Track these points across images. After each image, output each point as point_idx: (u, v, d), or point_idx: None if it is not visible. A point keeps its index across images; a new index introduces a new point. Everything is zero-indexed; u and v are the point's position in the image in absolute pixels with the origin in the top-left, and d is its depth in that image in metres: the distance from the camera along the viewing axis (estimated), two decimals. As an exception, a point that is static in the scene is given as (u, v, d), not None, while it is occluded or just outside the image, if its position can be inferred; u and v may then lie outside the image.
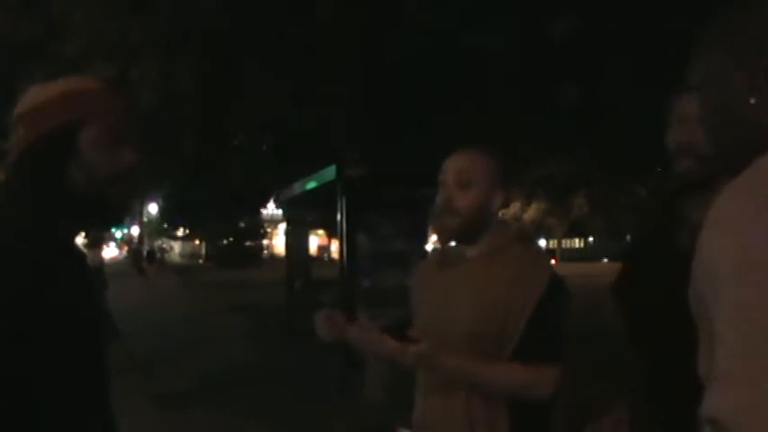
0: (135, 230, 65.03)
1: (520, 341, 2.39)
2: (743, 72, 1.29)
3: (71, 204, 1.71)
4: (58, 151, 1.68)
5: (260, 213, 56.66)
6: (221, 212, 41.02)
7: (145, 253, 50.94)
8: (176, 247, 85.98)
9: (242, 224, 58.01)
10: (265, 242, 73.19)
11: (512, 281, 2.44)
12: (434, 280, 2.68)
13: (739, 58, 1.31)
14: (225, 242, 61.14)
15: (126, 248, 77.16)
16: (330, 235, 38.95)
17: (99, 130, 1.71)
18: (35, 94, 1.72)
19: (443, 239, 2.69)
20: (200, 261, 71.26)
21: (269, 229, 70.67)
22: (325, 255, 46.32)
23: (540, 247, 3.02)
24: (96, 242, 14.71)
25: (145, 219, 61.23)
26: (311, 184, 11.66)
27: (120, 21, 10.29)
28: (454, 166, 2.57)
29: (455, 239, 2.63)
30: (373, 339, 2.58)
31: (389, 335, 2.40)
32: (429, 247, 10.41)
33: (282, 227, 23.82)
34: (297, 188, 12.92)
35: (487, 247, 2.56)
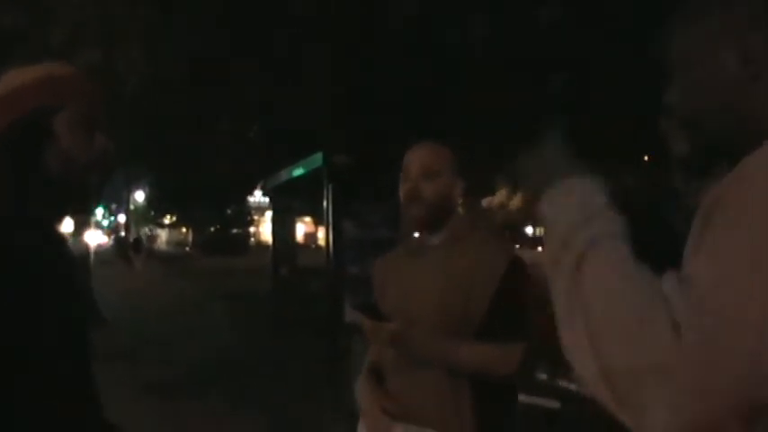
0: (122, 218, 64.79)
1: (484, 320, 2.49)
2: (735, 48, 1.22)
3: (47, 188, 1.71)
4: (35, 136, 1.67)
5: (246, 201, 56.61)
6: (208, 200, 40.93)
7: (131, 241, 50.65)
8: (163, 234, 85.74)
9: (229, 212, 57.93)
10: (252, 230, 73.05)
11: (473, 263, 2.57)
12: (400, 267, 2.80)
13: (731, 31, 1.23)
14: (212, 230, 61.03)
15: (113, 236, 76.84)
16: (317, 222, 38.90)
17: (74, 116, 1.71)
18: (11, 79, 1.71)
19: (411, 228, 2.83)
20: (187, 249, 71.12)
21: (256, 217, 70.54)
22: (312, 242, 46.29)
23: (499, 234, 3.14)
24: (80, 229, 14.67)
25: (132, 206, 61.01)
26: (297, 172, 11.63)
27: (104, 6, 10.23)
28: (419, 158, 2.70)
29: (423, 227, 2.76)
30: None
31: (365, 314, 2.47)
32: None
33: (269, 214, 23.80)
34: (283, 176, 12.90)
35: (450, 235, 2.70)
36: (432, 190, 2.64)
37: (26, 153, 1.68)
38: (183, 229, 78.09)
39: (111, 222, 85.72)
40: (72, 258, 1.97)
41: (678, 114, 1.34)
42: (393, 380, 2.68)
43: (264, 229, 66.55)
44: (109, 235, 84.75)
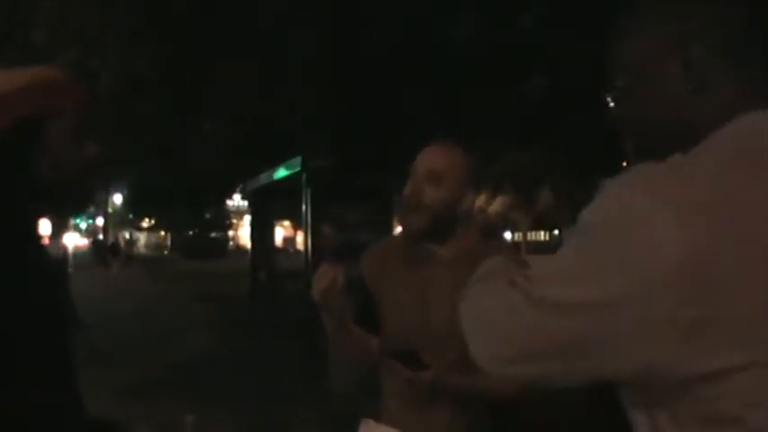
0: (100, 221, 64.34)
1: None
2: (678, 61, 1.24)
3: (36, 192, 1.71)
4: (27, 140, 1.67)
5: (225, 204, 56.42)
6: (187, 203, 40.76)
7: (108, 244, 50.10)
8: (141, 237, 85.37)
9: (207, 215, 57.71)
10: (231, 233, 72.86)
11: None
12: (402, 277, 2.57)
13: (673, 44, 1.24)
14: (190, 233, 60.79)
15: (90, 239, 76.29)
16: (296, 226, 38.80)
17: (67, 123, 1.72)
18: (4, 81, 1.70)
19: (410, 236, 2.57)
20: (166, 252, 70.85)
21: (234, 221, 70.37)
22: (291, 246, 46.17)
23: (507, 243, 2.95)
24: (59, 231, 14.58)
25: (109, 209, 60.59)
26: (276, 175, 11.63)
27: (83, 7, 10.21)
28: (426, 162, 2.48)
29: (422, 236, 2.52)
30: (369, 350, 2.52)
31: (401, 361, 2.32)
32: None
33: (248, 218, 23.75)
34: (262, 179, 12.89)
35: (459, 248, 2.50)
36: (435, 196, 2.43)
37: (16, 155, 1.68)
38: (162, 233, 77.79)
39: (88, 225, 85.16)
40: (53, 260, 1.98)
41: (626, 125, 1.38)
42: (399, 412, 2.51)
43: (243, 233, 66.43)
44: (88, 237, 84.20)
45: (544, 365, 1.21)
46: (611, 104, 1.39)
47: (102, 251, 48.17)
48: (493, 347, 1.30)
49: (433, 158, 2.50)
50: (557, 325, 1.15)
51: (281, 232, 42.37)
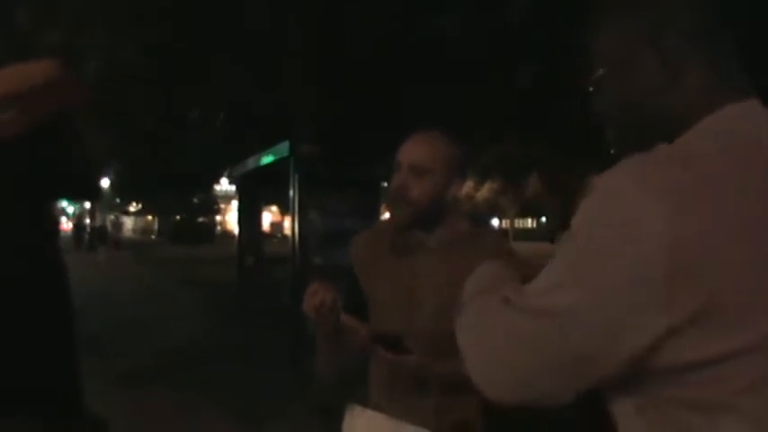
0: (87, 204, 63.93)
1: None
2: (652, 49, 1.24)
3: (47, 184, 1.71)
4: (63, 135, 1.66)
5: (213, 189, 56.27)
6: (174, 188, 40.59)
7: (89, 229, 49.02)
8: (129, 222, 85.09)
9: (195, 200, 57.59)
10: (218, 218, 72.74)
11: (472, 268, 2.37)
12: (390, 266, 2.58)
13: (648, 32, 1.24)
14: (178, 218, 60.66)
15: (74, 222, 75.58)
16: (283, 212, 38.73)
17: (87, 117, 1.71)
18: (25, 73, 1.64)
19: (397, 229, 2.57)
20: (153, 237, 70.72)
21: (222, 205, 70.24)
22: (278, 231, 46.05)
23: (495, 230, 2.96)
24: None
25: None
26: (264, 161, 11.58)
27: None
28: (411, 153, 2.46)
29: (409, 228, 2.53)
30: (356, 340, 2.52)
31: (382, 346, 2.31)
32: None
33: (235, 203, 23.72)
34: (250, 164, 12.84)
35: (447, 236, 2.51)
36: (420, 190, 2.41)
37: (27, 150, 1.66)
38: (149, 217, 77.61)
39: (75, 209, 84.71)
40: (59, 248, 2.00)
41: (607, 115, 1.38)
42: (385, 405, 2.51)
43: (230, 218, 66.35)
44: (74, 222, 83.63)
45: (550, 381, 1.20)
46: (593, 95, 1.38)
47: (82, 236, 47.27)
48: (498, 373, 1.27)
49: (417, 151, 2.47)
50: (555, 333, 1.15)
51: (268, 217, 42.31)
